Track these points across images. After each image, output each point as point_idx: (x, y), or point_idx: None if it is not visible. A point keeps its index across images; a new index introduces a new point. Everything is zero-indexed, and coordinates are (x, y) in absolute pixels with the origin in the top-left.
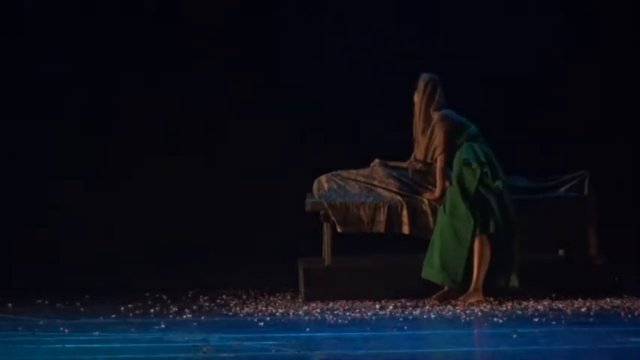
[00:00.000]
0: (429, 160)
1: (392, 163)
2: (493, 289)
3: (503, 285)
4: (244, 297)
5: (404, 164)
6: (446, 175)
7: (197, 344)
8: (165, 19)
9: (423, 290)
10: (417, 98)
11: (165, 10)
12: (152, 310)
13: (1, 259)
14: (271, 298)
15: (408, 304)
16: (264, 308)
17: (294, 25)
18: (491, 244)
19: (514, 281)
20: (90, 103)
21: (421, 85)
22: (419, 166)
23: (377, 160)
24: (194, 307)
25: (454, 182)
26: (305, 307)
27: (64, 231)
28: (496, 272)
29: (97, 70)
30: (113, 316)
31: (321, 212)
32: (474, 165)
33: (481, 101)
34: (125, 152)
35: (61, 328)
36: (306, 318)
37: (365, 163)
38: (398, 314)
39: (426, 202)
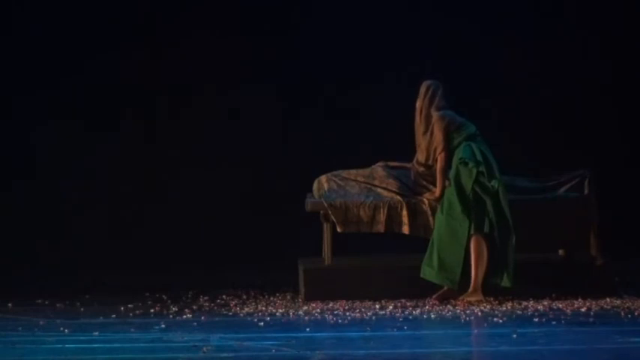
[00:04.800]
0: (430, 162)
1: (393, 164)
2: (489, 289)
3: (496, 284)
4: (244, 297)
5: (406, 165)
6: (446, 175)
7: (197, 344)
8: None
9: (422, 290)
10: (418, 103)
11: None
12: (152, 310)
13: (1, 259)
14: (271, 298)
15: (408, 304)
16: (264, 308)
17: (298, 29)
18: (487, 244)
19: (506, 281)
20: (94, 108)
21: (422, 89)
22: (421, 169)
23: (380, 163)
24: (194, 307)
25: (451, 181)
26: (305, 307)
27: (64, 231)
28: (491, 272)
29: (102, 75)
30: (113, 316)
31: (321, 212)
32: (470, 164)
33: (481, 101)
34: (125, 153)
35: (61, 328)
36: (306, 318)
37: (365, 163)
38: (398, 314)
39: (426, 202)
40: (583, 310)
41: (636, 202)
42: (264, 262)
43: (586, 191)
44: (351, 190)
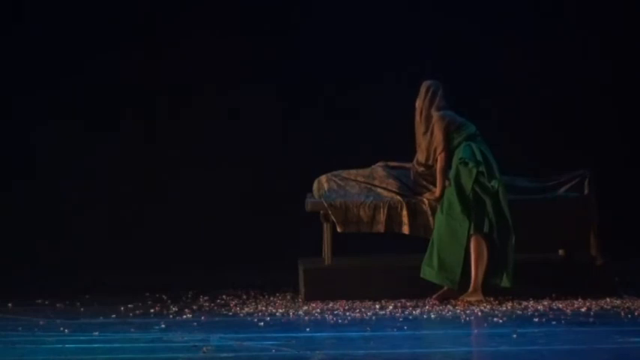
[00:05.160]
0: (430, 162)
1: (393, 164)
2: (489, 289)
3: (496, 284)
4: (244, 297)
5: (406, 165)
6: (446, 175)
7: (197, 344)
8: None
9: (422, 290)
10: (418, 103)
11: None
12: (152, 310)
13: (1, 259)
14: (271, 298)
15: (408, 304)
16: (264, 308)
17: (298, 29)
18: (487, 244)
19: (506, 281)
20: (94, 108)
21: (422, 89)
22: (421, 169)
23: (380, 163)
24: (194, 307)
25: (451, 181)
26: (305, 307)
27: (64, 231)
28: (491, 272)
29: (102, 75)
30: (113, 316)
31: (321, 212)
32: (470, 164)
33: (481, 101)
34: (125, 153)
35: (61, 328)
36: (306, 318)
37: (365, 163)
38: (398, 314)
39: (426, 202)
40: (583, 310)
41: (636, 202)
42: (264, 262)
43: (586, 191)
44: (351, 190)
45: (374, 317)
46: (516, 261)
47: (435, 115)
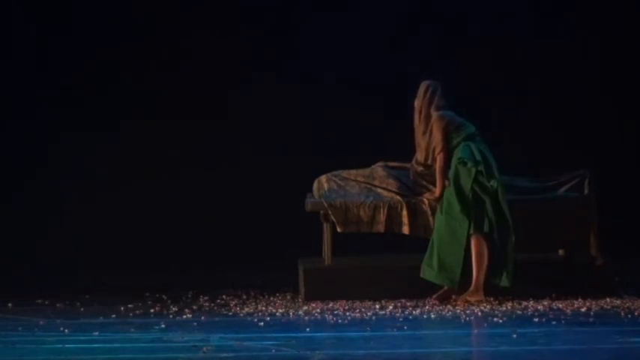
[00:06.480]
0: (429, 161)
1: (393, 164)
2: (489, 289)
3: (496, 284)
4: (244, 297)
5: (406, 165)
6: (446, 175)
7: (197, 344)
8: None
9: (422, 290)
10: (417, 103)
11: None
12: (152, 310)
13: (1, 259)
14: (271, 298)
15: (408, 304)
16: (264, 308)
17: (298, 29)
18: (487, 243)
19: (506, 281)
20: (94, 108)
21: (421, 89)
22: (420, 169)
23: (380, 163)
24: (194, 307)
25: (450, 181)
26: (305, 307)
27: (64, 231)
28: (491, 272)
29: (102, 74)
30: (113, 316)
31: (321, 212)
32: (469, 164)
33: (481, 101)
34: (125, 153)
35: (61, 328)
36: (306, 318)
37: (365, 163)
38: (398, 314)
39: (426, 202)
40: (583, 310)
41: (636, 202)
42: (264, 262)
43: (586, 191)
44: (351, 190)
45: (374, 317)
46: (516, 261)
47: (434, 114)
